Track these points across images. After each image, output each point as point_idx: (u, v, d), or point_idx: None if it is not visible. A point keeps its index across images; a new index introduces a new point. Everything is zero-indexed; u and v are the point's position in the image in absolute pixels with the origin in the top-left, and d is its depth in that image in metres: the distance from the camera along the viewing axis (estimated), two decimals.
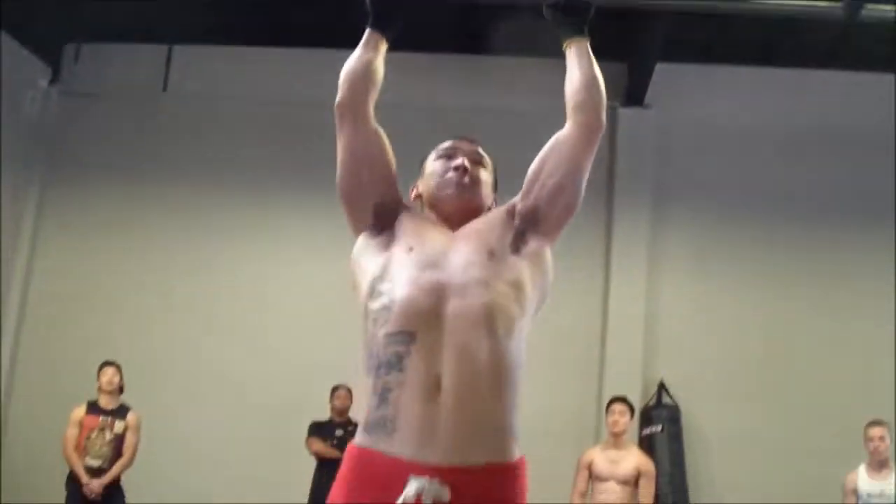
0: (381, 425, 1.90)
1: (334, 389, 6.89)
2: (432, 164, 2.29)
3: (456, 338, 1.93)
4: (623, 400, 6.32)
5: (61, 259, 8.10)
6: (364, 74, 2.24)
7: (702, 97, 7.89)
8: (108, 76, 8.28)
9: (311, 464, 6.65)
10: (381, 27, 2.28)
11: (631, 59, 7.74)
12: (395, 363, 1.92)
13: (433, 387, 1.89)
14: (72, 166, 8.20)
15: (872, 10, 6.03)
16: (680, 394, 7.49)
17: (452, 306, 1.96)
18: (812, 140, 7.76)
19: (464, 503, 1.84)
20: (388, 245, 2.13)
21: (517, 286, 2.06)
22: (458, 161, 2.24)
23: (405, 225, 2.15)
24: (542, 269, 2.16)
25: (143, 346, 7.59)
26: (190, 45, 8.14)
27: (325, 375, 6.84)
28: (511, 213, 2.19)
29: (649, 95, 7.86)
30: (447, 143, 2.31)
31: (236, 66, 8.07)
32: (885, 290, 7.42)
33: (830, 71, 7.69)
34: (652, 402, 7.49)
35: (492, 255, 2.07)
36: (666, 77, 7.64)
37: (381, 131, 2.24)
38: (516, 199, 2.21)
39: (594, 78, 2.22)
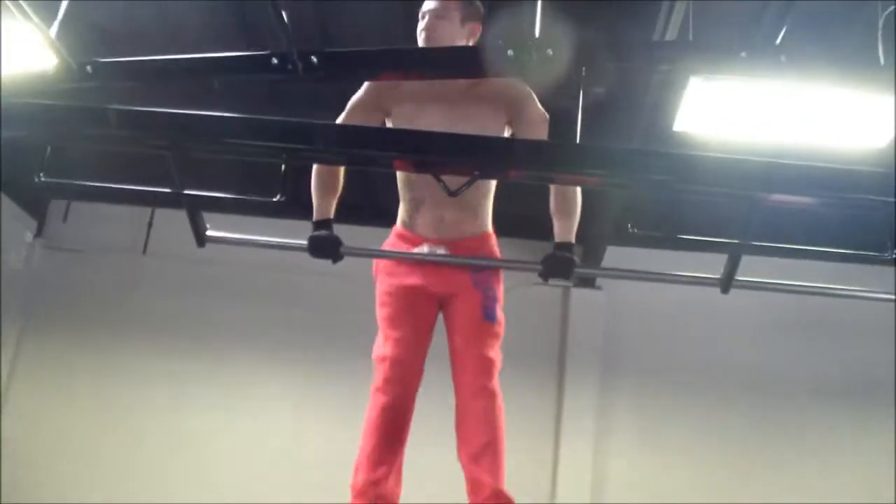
0: (410, 223, 3.34)
1: None
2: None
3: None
4: None
5: (34, 407, 8.30)
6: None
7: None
8: (92, 234, 8.71)
9: None
10: None
11: (583, 243, 8.36)
12: (416, 205, 3.32)
13: (439, 216, 3.28)
14: (50, 318, 8.51)
15: None
16: None
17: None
18: (756, 317, 8.25)
19: (457, 253, 3.24)
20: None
21: None
22: (422, 23, 3.17)
23: (398, 98, 3.21)
24: None
25: (116, 491, 7.79)
26: (172, 209, 8.58)
27: None
28: (510, 104, 3.17)
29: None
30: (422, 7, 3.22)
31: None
32: (835, 468, 7.84)
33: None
34: None
35: (483, 127, 3.06)
36: (616, 259, 8.22)
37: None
38: (522, 108, 3.18)
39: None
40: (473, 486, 3.11)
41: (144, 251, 8.61)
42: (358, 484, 3.09)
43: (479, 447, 3.12)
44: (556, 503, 7.96)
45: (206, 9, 5.64)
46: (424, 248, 3.25)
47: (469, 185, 2.47)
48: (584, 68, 2.24)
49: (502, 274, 3.38)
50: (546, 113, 3.00)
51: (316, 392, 7.94)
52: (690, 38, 3.84)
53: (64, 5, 2.71)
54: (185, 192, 2.67)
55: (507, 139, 3.07)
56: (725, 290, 2.80)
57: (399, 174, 3.31)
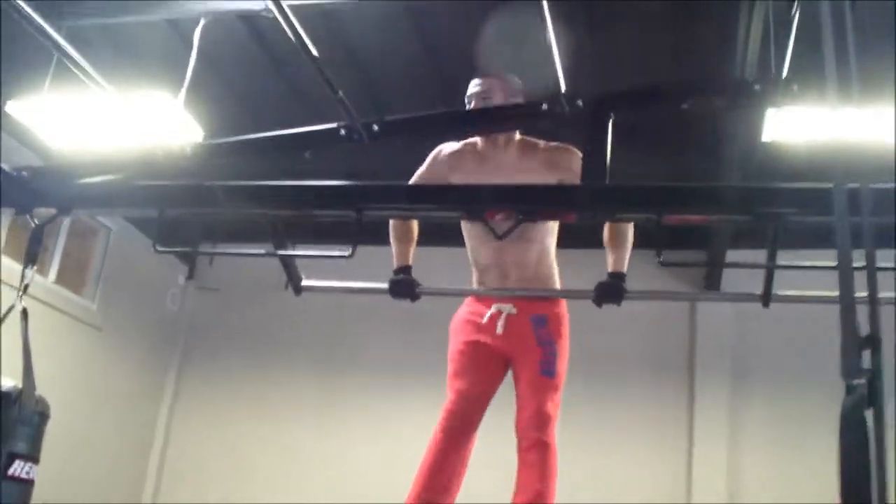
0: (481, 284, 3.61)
1: None
2: None
3: (513, 263, 3.51)
4: None
5: (195, 429, 9.08)
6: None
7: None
8: (236, 275, 9.41)
9: None
10: None
11: (706, 248, 8.43)
12: (485, 271, 3.62)
13: (504, 278, 3.56)
14: (204, 351, 9.30)
15: None
16: None
17: (509, 255, 3.50)
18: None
19: (524, 311, 3.49)
20: None
21: (552, 233, 3.58)
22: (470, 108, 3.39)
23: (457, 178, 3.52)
24: None
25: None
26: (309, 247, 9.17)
27: None
28: (555, 167, 3.40)
29: (725, 280, 8.51)
30: (468, 92, 3.46)
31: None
32: None
33: None
34: None
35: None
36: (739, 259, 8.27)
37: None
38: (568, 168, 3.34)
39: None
40: None
41: (286, 287, 9.17)
42: None
43: (531, 496, 3.32)
44: None
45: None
46: (494, 307, 3.53)
47: (514, 228, 2.73)
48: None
49: (566, 331, 3.60)
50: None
51: None
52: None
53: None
54: (279, 252, 3.05)
55: (539, 186, 3.25)
56: (766, 304, 2.98)
57: (468, 244, 3.61)
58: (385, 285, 3.49)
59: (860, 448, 1.38)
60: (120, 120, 5.15)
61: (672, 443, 8.26)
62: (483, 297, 3.62)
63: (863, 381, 1.36)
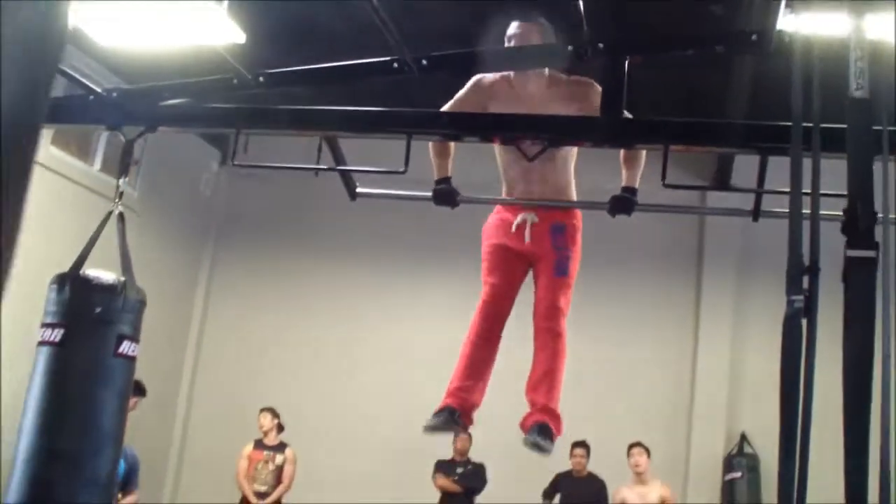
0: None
1: (456, 434, 7.34)
2: None
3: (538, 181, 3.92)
4: (639, 444, 7.49)
5: (229, 314, 9.65)
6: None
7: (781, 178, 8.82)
8: (269, 161, 9.77)
9: (434, 495, 7.78)
10: None
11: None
12: (512, 187, 4.02)
13: (529, 192, 3.97)
14: (237, 236, 9.79)
15: None
16: (760, 444, 8.29)
17: (534, 175, 3.88)
18: None
19: (545, 220, 3.95)
20: None
21: (572, 154, 3.94)
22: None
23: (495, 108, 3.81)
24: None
25: (294, 391, 9.01)
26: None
27: None
28: (581, 103, 3.67)
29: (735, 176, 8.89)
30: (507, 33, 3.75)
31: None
32: None
33: None
34: (734, 451, 8.38)
35: None
36: (748, 162, 8.63)
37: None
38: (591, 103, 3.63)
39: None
40: (530, 405, 3.90)
41: (316, 174, 9.58)
42: (450, 387, 4.04)
43: (539, 376, 3.91)
44: (696, 393, 8.66)
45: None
46: (520, 218, 4.02)
47: (542, 152, 3.13)
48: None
49: (579, 238, 4.10)
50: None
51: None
52: None
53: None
54: (340, 167, 3.51)
55: (564, 117, 3.64)
56: (755, 219, 3.45)
57: (499, 161, 4.03)
58: (429, 194, 3.90)
59: (795, 349, 1.86)
60: (165, 22, 5.48)
61: (678, 330, 8.82)
62: (511, 207, 4.09)
63: (801, 297, 1.83)
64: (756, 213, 3.40)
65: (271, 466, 7.79)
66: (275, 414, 7.97)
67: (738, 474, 8.25)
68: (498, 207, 4.16)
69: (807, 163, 2.33)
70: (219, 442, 8.80)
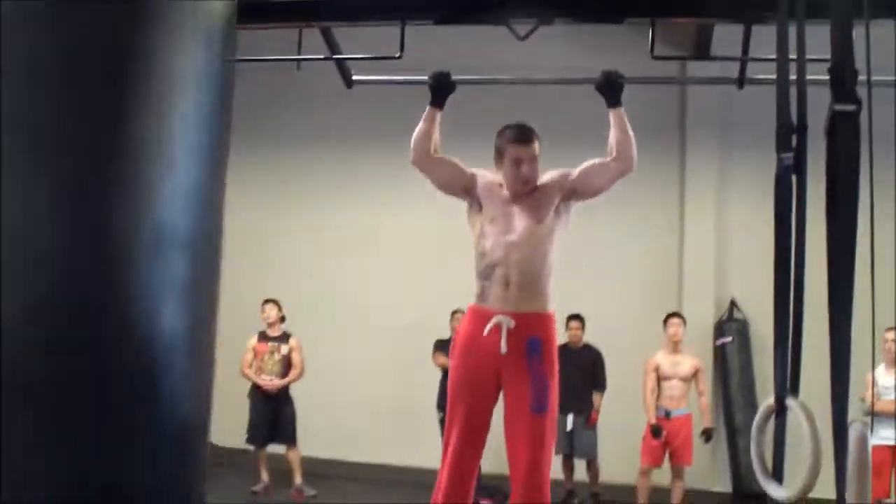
0: (483, 298, 3.68)
1: (454, 312, 7.73)
2: (507, 166, 3.75)
3: (517, 263, 3.64)
4: (678, 314, 7.75)
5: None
6: (426, 139, 3.79)
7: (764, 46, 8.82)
8: (253, 53, 9.65)
9: (435, 374, 7.91)
10: (439, 105, 3.79)
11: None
12: (489, 275, 3.67)
13: (506, 284, 3.63)
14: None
15: None
16: (749, 309, 8.62)
17: (516, 252, 3.65)
18: None
19: (521, 329, 3.58)
20: (479, 210, 3.77)
21: (550, 236, 3.71)
22: (524, 172, 3.70)
23: (485, 197, 3.75)
24: (568, 213, 3.81)
25: (294, 281, 9.20)
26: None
27: (446, 301, 7.72)
28: (560, 187, 3.71)
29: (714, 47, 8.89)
30: (514, 152, 3.72)
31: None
32: None
33: None
34: (724, 317, 8.67)
35: (540, 221, 3.68)
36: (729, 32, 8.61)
37: (443, 157, 3.84)
38: (568, 177, 3.73)
39: (627, 139, 3.75)
40: None
41: (298, 67, 9.48)
42: None
43: None
44: (685, 260, 8.91)
45: None
46: (495, 319, 3.61)
47: (534, 30, 3.13)
48: None
49: (556, 357, 3.71)
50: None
51: None
52: None
53: None
54: (335, 56, 3.56)
55: None
56: (740, 87, 3.54)
57: (478, 247, 3.74)
58: (426, 78, 3.89)
59: (787, 205, 1.98)
60: None
61: (664, 206, 9.02)
62: (485, 310, 3.66)
63: (790, 155, 1.95)
64: (741, 81, 3.48)
65: (277, 356, 7.98)
66: (276, 304, 8.11)
67: (729, 339, 8.55)
68: (471, 313, 3.78)
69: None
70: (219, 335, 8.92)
